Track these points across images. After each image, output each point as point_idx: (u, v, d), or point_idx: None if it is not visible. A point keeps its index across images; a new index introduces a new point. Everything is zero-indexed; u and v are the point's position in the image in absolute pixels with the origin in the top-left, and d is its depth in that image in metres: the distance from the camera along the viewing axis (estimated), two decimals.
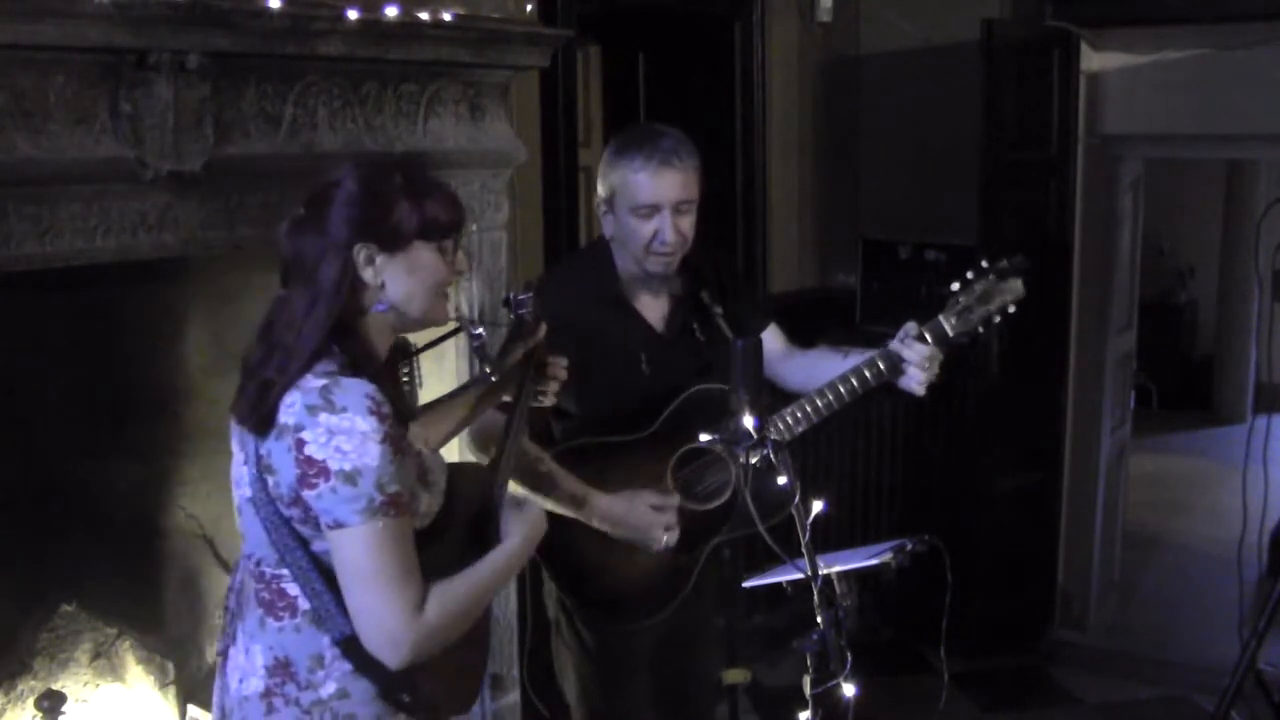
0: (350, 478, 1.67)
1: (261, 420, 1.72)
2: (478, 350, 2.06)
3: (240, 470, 1.79)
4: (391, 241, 1.79)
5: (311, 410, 1.68)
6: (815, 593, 1.94)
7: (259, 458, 1.73)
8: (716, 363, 2.50)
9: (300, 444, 1.68)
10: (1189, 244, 8.43)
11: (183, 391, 2.81)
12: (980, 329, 2.40)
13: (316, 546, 1.76)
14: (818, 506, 1.96)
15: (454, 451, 2.43)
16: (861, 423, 4.71)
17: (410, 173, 1.87)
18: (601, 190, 2.50)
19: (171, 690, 2.86)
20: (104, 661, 2.72)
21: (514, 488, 2.16)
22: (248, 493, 1.77)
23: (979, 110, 4.20)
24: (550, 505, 2.29)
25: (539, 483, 2.34)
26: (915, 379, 2.40)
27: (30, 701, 2.57)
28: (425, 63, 2.70)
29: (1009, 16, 4.51)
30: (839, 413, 2.45)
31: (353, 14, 2.44)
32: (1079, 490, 4.79)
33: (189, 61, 2.24)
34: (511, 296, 2.04)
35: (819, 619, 1.93)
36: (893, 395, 2.47)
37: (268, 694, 1.79)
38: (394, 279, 1.81)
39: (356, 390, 1.70)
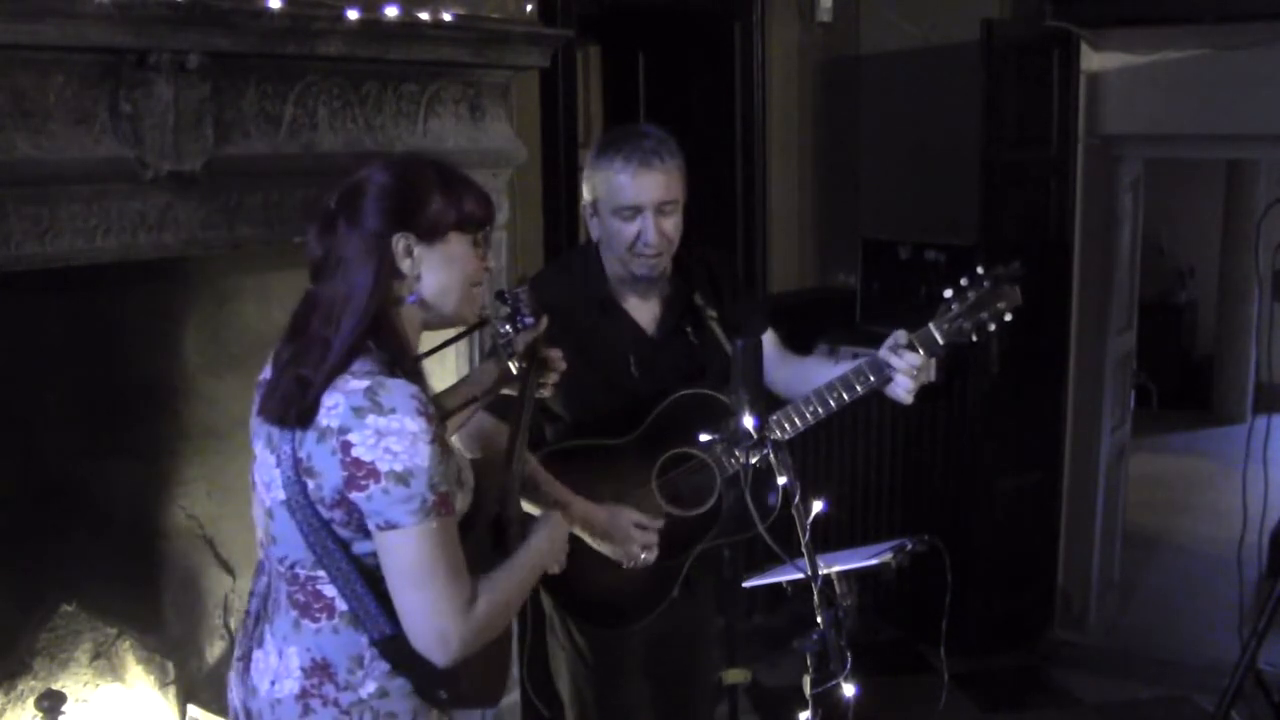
0: (402, 478, 1.66)
1: (301, 416, 1.70)
2: (504, 346, 2.06)
3: (271, 473, 1.76)
4: (430, 232, 1.79)
5: (358, 412, 1.67)
6: (815, 593, 1.94)
7: (297, 461, 1.72)
8: (710, 366, 2.49)
9: (346, 446, 1.67)
10: (1189, 244, 8.43)
11: (182, 391, 2.81)
12: (974, 337, 2.35)
13: (358, 549, 1.75)
14: (818, 506, 1.96)
15: None
16: (861, 423, 4.71)
17: (441, 167, 1.88)
18: (586, 193, 2.50)
19: (171, 690, 2.86)
20: (104, 661, 2.72)
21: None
22: (281, 495, 1.75)
23: (979, 110, 4.20)
24: (532, 508, 2.28)
25: (523, 484, 2.34)
26: (903, 386, 2.35)
27: (30, 701, 2.57)
28: (425, 63, 2.70)
29: (1009, 16, 4.51)
30: (825, 421, 2.43)
31: (353, 14, 2.44)
32: (1079, 490, 4.79)
33: (189, 61, 2.24)
34: (507, 291, 2.04)
35: (819, 619, 1.93)
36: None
37: (304, 695, 1.78)
38: (431, 271, 1.81)
39: (402, 391, 1.69)
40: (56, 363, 2.58)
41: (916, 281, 4.57)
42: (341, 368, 1.72)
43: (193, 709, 2.87)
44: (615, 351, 2.50)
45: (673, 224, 2.43)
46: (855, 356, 2.46)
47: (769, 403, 2.43)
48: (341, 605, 1.77)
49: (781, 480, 1.92)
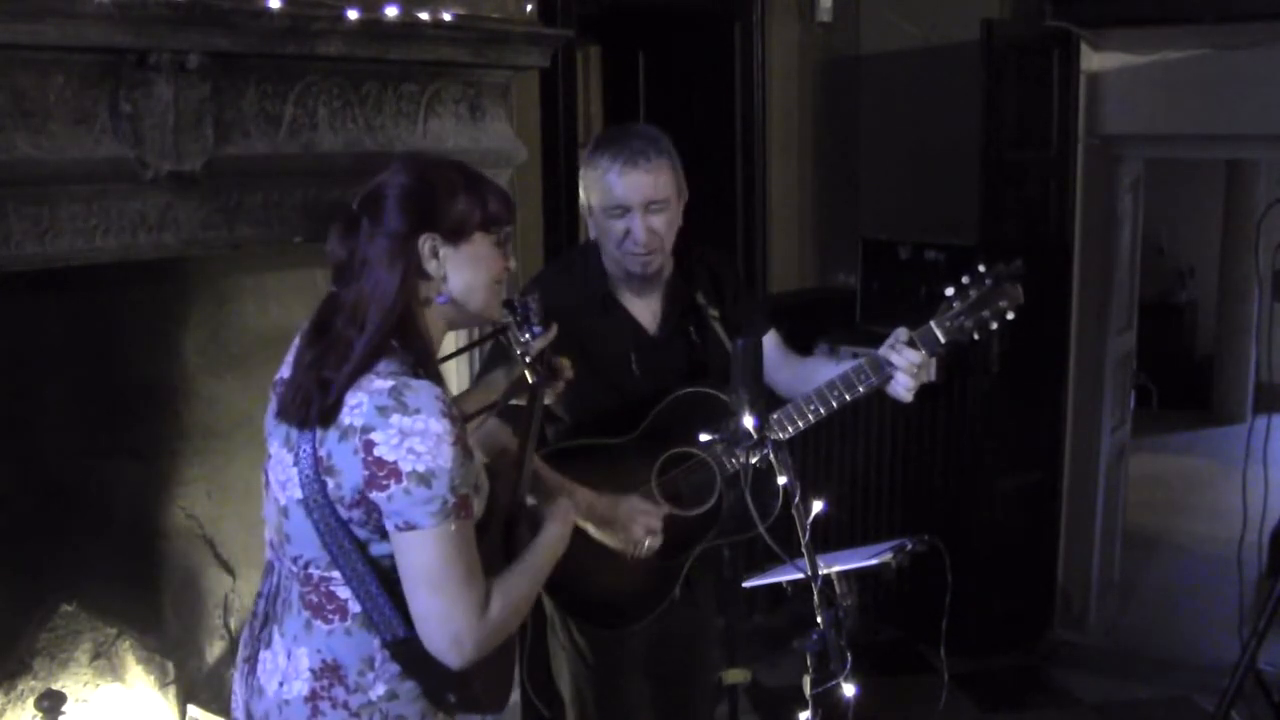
0: (424, 479, 1.66)
1: (323, 415, 1.70)
2: (522, 352, 2.06)
3: (288, 471, 1.76)
4: (456, 232, 1.80)
5: (382, 411, 1.67)
6: (815, 593, 1.94)
7: (317, 459, 1.71)
8: (711, 366, 2.49)
9: (369, 445, 1.67)
10: (1189, 244, 8.44)
11: (182, 391, 2.81)
12: (976, 336, 2.35)
13: (375, 550, 1.75)
14: (818, 506, 1.96)
15: None
16: (861, 423, 4.71)
17: (462, 167, 1.88)
18: (582, 193, 2.50)
19: (171, 690, 2.86)
20: (104, 661, 2.72)
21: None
22: (298, 494, 1.74)
23: (979, 110, 4.20)
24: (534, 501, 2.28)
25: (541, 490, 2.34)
26: (903, 384, 2.35)
27: (30, 701, 2.57)
28: (425, 63, 2.70)
29: (1009, 16, 4.51)
30: (825, 420, 2.43)
31: (353, 14, 2.44)
32: (1079, 490, 4.79)
33: (189, 61, 2.24)
34: (515, 299, 2.04)
35: (819, 619, 1.93)
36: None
37: (314, 697, 1.78)
38: (456, 271, 1.81)
39: (428, 392, 1.69)
40: (56, 363, 2.58)
41: (916, 281, 4.56)
42: (365, 367, 1.71)
43: (193, 709, 2.87)
44: (616, 350, 2.50)
45: (663, 222, 2.43)
46: (855, 356, 2.46)
47: (770, 402, 2.44)
48: (355, 607, 1.77)
49: (781, 480, 1.92)
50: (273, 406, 1.84)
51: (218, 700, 2.88)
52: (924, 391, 2.43)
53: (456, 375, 2.88)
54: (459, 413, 1.74)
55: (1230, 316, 8.05)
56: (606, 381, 2.49)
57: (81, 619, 2.67)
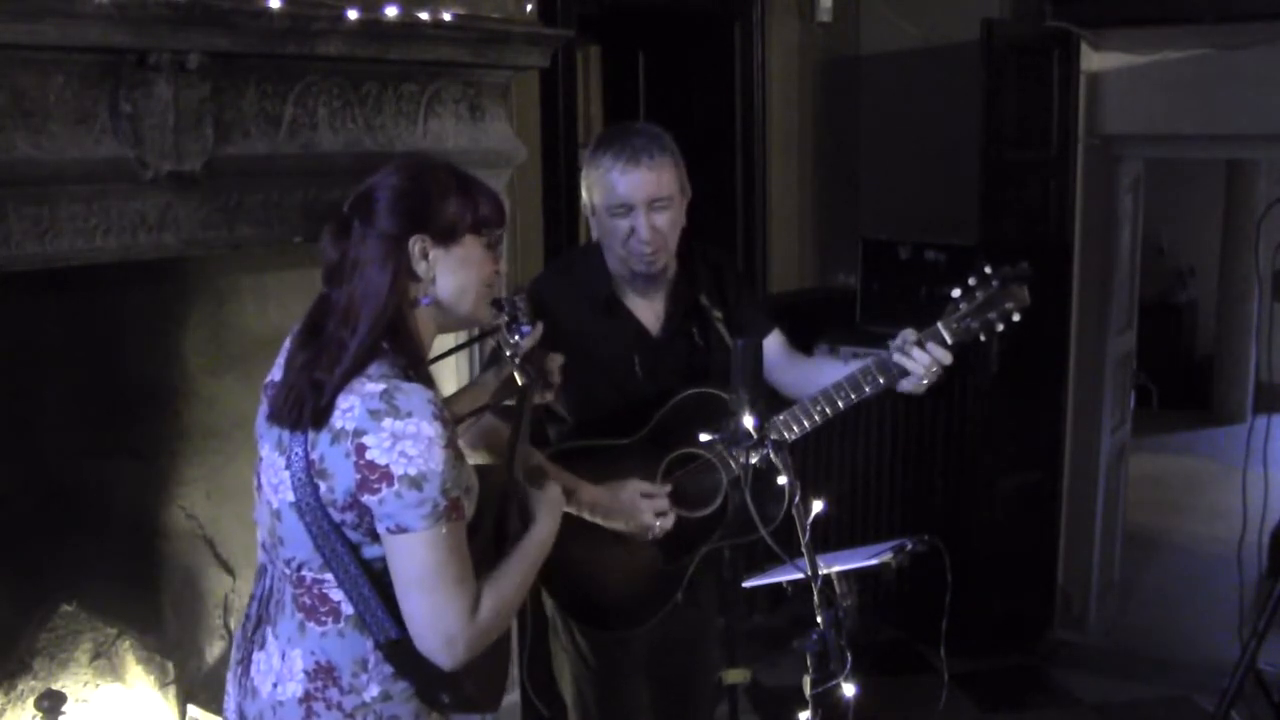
0: (415, 482, 1.67)
1: (316, 417, 1.70)
2: (511, 355, 2.05)
3: (280, 474, 1.76)
4: (446, 235, 1.80)
5: (374, 415, 1.67)
6: (815, 593, 1.94)
7: (310, 462, 1.71)
8: (714, 367, 2.49)
9: (361, 449, 1.67)
10: (1189, 244, 8.44)
11: (182, 391, 2.81)
12: (983, 337, 2.35)
13: (367, 552, 1.75)
14: (818, 506, 1.96)
15: None
16: (862, 423, 4.71)
17: (454, 169, 1.88)
18: (584, 193, 2.50)
19: (171, 690, 2.86)
20: (104, 661, 2.72)
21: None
22: (290, 497, 1.75)
23: (979, 110, 4.20)
24: None
25: (527, 475, 2.33)
26: (913, 381, 2.36)
27: (30, 701, 2.57)
28: (425, 63, 2.70)
29: (1009, 16, 4.51)
30: (833, 420, 2.43)
31: (353, 14, 2.44)
32: (1079, 490, 4.79)
33: (189, 61, 2.24)
34: (504, 298, 2.04)
35: (819, 619, 1.93)
36: (892, 395, 2.45)
37: (308, 698, 1.78)
38: (446, 273, 1.81)
39: (419, 395, 1.69)
40: (56, 363, 2.58)
41: (916, 281, 4.57)
42: (357, 370, 1.72)
43: (193, 709, 2.87)
44: (619, 351, 2.50)
45: (666, 220, 2.42)
46: (856, 356, 2.46)
47: (775, 403, 2.44)
48: (347, 609, 1.77)
49: (782, 480, 1.92)
50: (264, 409, 1.84)
51: (218, 700, 2.87)
52: (929, 388, 2.43)
53: (456, 375, 2.88)
54: (450, 415, 1.74)
55: (1230, 316, 8.05)
56: (610, 382, 2.49)
57: (81, 619, 2.67)
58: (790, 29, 4.65)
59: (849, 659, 1.91)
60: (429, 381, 1.79)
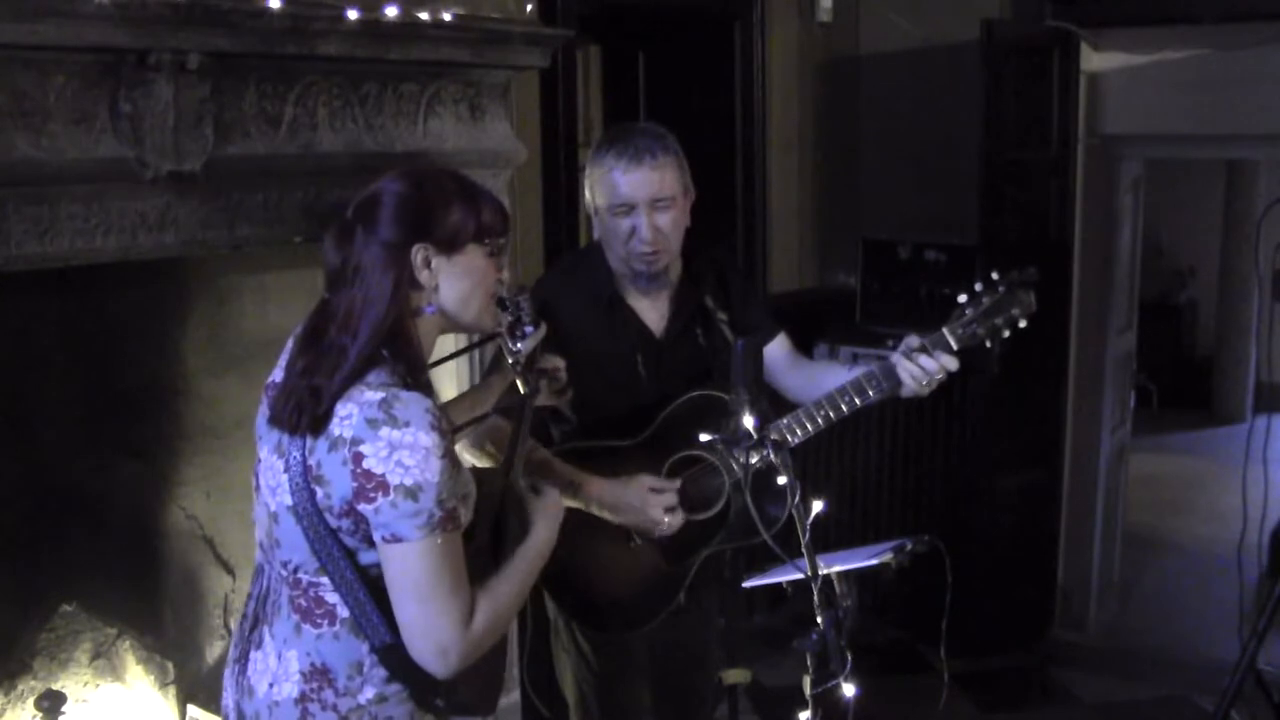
0: (411, 493, 1.67)
1: (314, 424, 1.70)
2: (513, 363, 2.05)
3: (279, 477, 1.76)
4: (449, 243, 1.80)
5: (372, 424, 1.67)
6: (815, 593, 1.94)
7: (307, 468, 1.71)
8: (718, 369, 2.48)
9: (359, 458, 1.67)
10: (1189, 244, 8.44)
11: (182, 391, 2.81)
12: (988, 343, 2.34)
13: (363, 559, 1.75)
14: (818, 506, 1.96)
15: None
16: (862, 423, 4.70)
17: (458, 177, 1.88)
18: (587, 193, 2.49)
19: (171, 690, 2.86)
20: (104, 661, 2.72)
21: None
22: (288, 500, 1.75)
23: (979, 110, 4.20)
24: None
25: (533, 470, 2.33)
26: (913, 390, 2.35)
27: (30, 701, 2.57)
28: (425, 63, 2.70)
29: (1009, 16, 4.51)
30: (836, 424, 2.42)
31: (353, 14, 2.44)
32: (1079, 490, 4.79)
33: (189, 61, 2.24)
34: (507, 298, 2.04)
35: (819, 619, 1.93)
36: (894, 396, 2.45)
37: (303, 699, 1.78)
38: (449, 281, 1.81)
39: (417, 404, 1.69)
40: (56, 362, 2.58)
41: (916, 281, 4.57)
42: (356, 377, 1.71)
43: (193, 709, 2.87)
44: (622, 352, 2.50)
45: (668, 221, 2.42)
46: (855, 357, 2.46)
47: (779, 406, 2.43)
48: (343, 612, 1.77)
49: (782, 480, 1.92)
50: (264, 410, 1.84)
51: (217, 700, 2.87)
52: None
53: (455, 379, 2.88)
54: (448, 424, 1.74)
55: (1230, 316, 8.05)
56: (613, 383, 2.48)
57: (81, 619, 2.67)
58: (790, 29, 4.65)
59: (849, 659, 1.91)
60: (428, 389, 1.79)
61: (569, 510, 2.09)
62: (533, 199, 3.60)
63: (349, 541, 1.74)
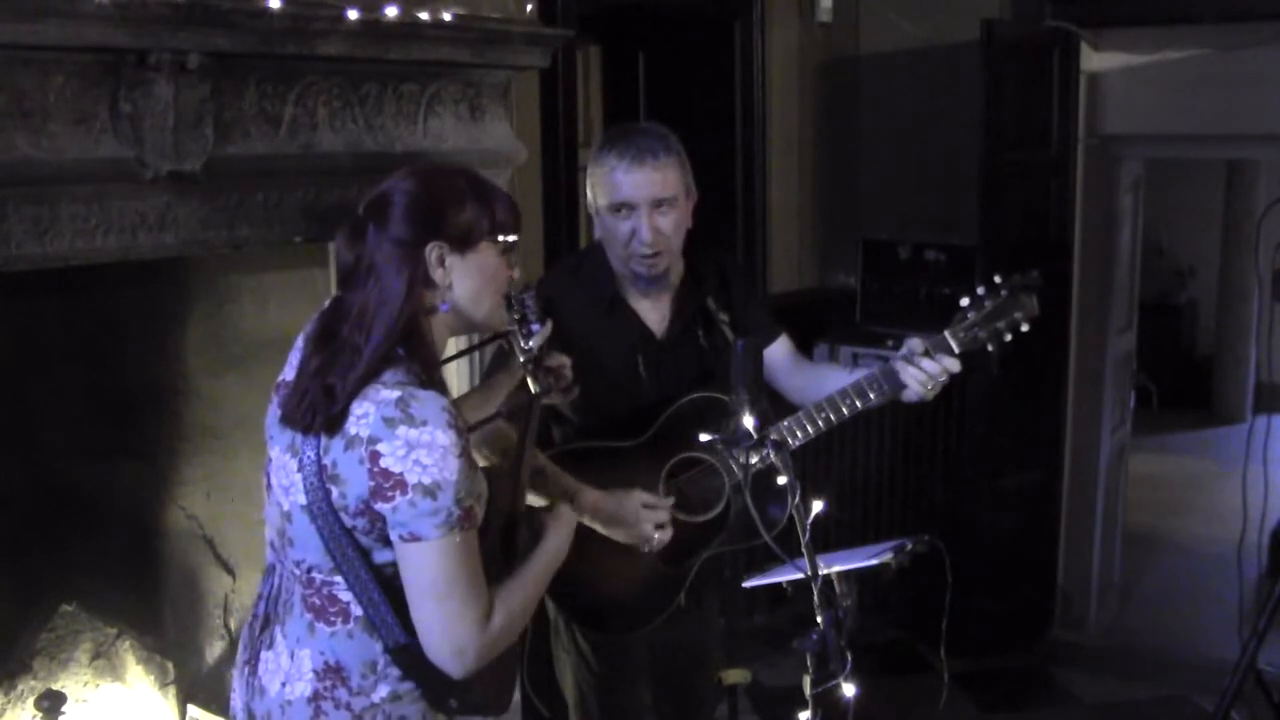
0: (430, 491, 1.66)
1: (329, 423, 1.70)
2: (525, 361, 2.04)
3: (292, 477, 1.76)
4: (463, 241, 1.79)
5: (389, 423, 1.66)
6: (815, 593, 1.94)
7: (322, 467, 1.71)
8: (719, 370, 2.48)
9: (375, 456, 1.66)
10: (1189, 244, 8.43)
11: (182, 391, 2.81)
12: (990, 347, 2.34)
13: (378, 558, 1.75)
14: (818, 506, 1.96)
15: None
16: (862, 423, 4.70)
17: (469, 175, 1.88)
18: (588, 192, 2.49)
19: (171, 690, 2.86)
20: (104, 661, 2.72)
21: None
22: (302, 500, 1.74)
23: (979, 110, 4.20)
24: (540, 500, 2.27)
25: (531, 477, 2.33)
26: (916, 394, 2.35)
27: (30, 701, 2.57)
28: (425, 63, 2.70)
29: (1009, 16, 4.51)
30: (837, 427, 2.42)
31: (353, 14, 2.44)
32: (1079, 490, 4.79)
33: (189, 61, 2.24)
34: (513, 295, 2.04)
35: (819, 619, 1.93)
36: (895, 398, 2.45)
37: (316, 698, 1.78)
38: (463, 279, 1.81)
39: (434, 403, 1.69)
40: (56, 363, 2.58)
41: (916, 281, 4.57)
42: (372, 376, 1.71)
43: (193, 709, 2.87)
44: (623, 353, 2.49)
45: (670, 222, 2.41)
46: (855, 357, 2.45)
47: (780, 408, 2.43)
48: (357, 610, 1.77)
49: (782, 480, 1.92)
50: (275, 409, 1.83)
51: (218, 700, 2.88)
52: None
53: (456, 378, 2.88)
54: (464, 423, 1.73)
55: (1230, 316, 8.05)
56: (614, 384, 2.47)
57: (81, 619, 2.67)
58: (790, 29, 4.65)
59: (849, 659, 1.91)
60: (443, 388, 1.78)
61: None
62: (533, 199, 3.60)
63: (364, 541, 1.73)
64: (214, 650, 2.96)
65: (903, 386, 2.35)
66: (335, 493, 1.71)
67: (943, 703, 3.94)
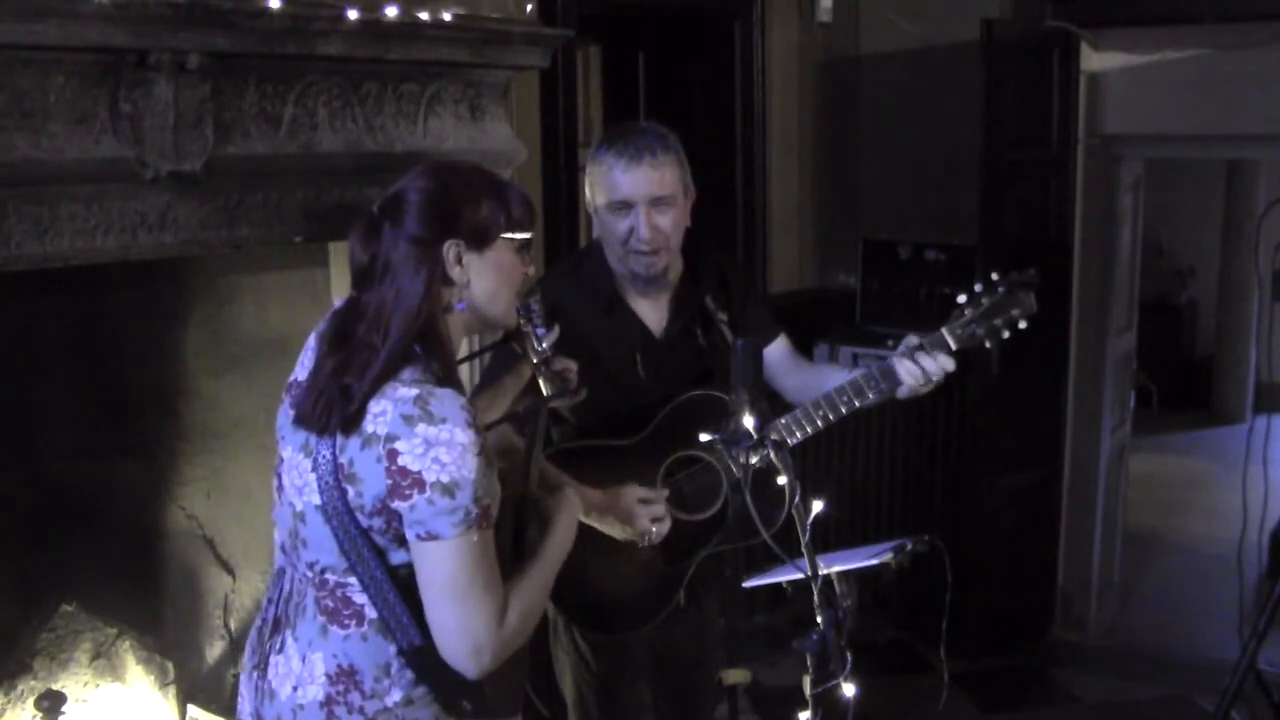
0: (448, 490, 1.65)
1: (346, 423, 1.69)
2: (539, 361, 2.03)
3: (306, 477, 1.75)
4: (479, 239, 1.79)
5: (408, 420, 1.66)
6: (815, 593, 1.94)
7: (338, 466, 1.70)
8: (718, 369, 2.48)
9: (394, 454, 1.66)
10: (1189, 244, 8.43)
11: (182, 391, 2.81)
12: (987, 344, 2.34)
13: (393, 558, 1.74)
14: (818, 506, 1.96)
15: None
16: (862, 423, 4.70)
17: (484, 172, 1.88)
18: (587, 191, 2.49)
19: (171, 690, 2.86)
20: (104, 661, 2.72)
21: None
22: (316, 500, 1.73)
23: (979, 110, 4.19)
24: None
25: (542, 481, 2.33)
26: (910, 390, 2.36)
27: (30, 701, 2.57)
28: (425, 63, 2.70)
29: (1009, 16, 4.51)
30: (835, 425, 2.42)
31: (353, 14, 2.44)
32: (1079, 490, 4.79)
33: (189, 61, 2.24)
34: (518, 300, 2.03)
35: (819, 619, 1.93)
36: (893, 397, 2.45)
37: (329, 702, 1.76)
38: (480, 277, 1.80)
39: (453, 401, 1.68)
40: (56, 363, 2.58)
41: (916, 281, 4.57)
42: (389, 375, 1.70)
43: (193, 709, 2.87)
44: (621, 352, 2.49)
45: (668, 221, 2.41)
46: (855, 357, 2.46)
47: (778, 406, 2.43)
48: (371, 613, 1.76)
49: (781, 480, 1.92)
50: (286, 409, 1.83)
51: (218, 700, 2.88)
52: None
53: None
54: (482, 422, 1.73)
55: (1230, 316, 8.05)
56: (612, 383, 2.47)
57: (81, 619, 2.67)
58: (790, 29, 4.65)
59: (849, 659, 1.91)
60: (460, 387, 1.77)
61: None
62: (533, 199, 3.59)
63: (379, 541, 1.73)
64: (214, 650, 2.96)
65: (899, 383, 2.35)
66: (351, 492, 1.70)
67: (943, 703, 3.94)
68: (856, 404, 2.38)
